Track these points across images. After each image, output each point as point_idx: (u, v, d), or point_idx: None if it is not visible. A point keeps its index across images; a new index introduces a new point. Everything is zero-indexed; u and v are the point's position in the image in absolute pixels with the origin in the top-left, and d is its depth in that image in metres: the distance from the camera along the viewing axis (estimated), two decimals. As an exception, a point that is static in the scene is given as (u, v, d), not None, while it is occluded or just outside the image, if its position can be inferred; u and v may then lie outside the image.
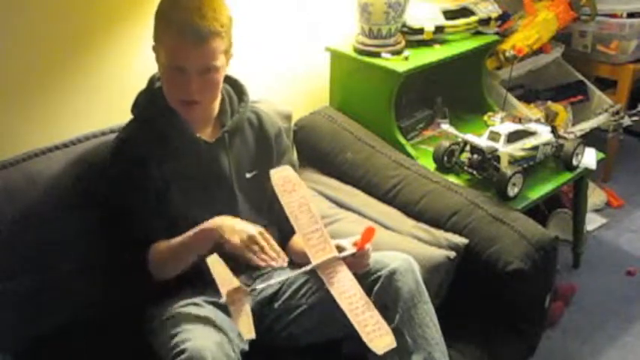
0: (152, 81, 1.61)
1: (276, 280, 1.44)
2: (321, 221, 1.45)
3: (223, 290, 1.29)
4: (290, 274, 1.44)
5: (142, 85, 1.62)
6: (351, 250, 1.45)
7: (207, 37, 1.45)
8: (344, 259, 1.43)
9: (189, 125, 1.56)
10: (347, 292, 1.37)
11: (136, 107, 1.60)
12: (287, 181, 1.48)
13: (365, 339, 1.30)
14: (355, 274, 1.50)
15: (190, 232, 1.44)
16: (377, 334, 1.32)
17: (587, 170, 2.22)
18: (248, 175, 1.63)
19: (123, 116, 1.68)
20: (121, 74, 1.87)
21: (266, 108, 1.76)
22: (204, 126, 1.60)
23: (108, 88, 1.87)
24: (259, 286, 1.35)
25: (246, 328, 1.29)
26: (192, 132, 1.56)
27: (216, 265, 1.31)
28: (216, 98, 1.58)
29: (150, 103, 1.57)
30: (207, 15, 1.45)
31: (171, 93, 1.53)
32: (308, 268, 1.40)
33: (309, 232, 1.42)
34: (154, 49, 1.55)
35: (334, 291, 1.36)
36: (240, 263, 1.57)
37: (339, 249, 1.45)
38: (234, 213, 1.58)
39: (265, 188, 1.58)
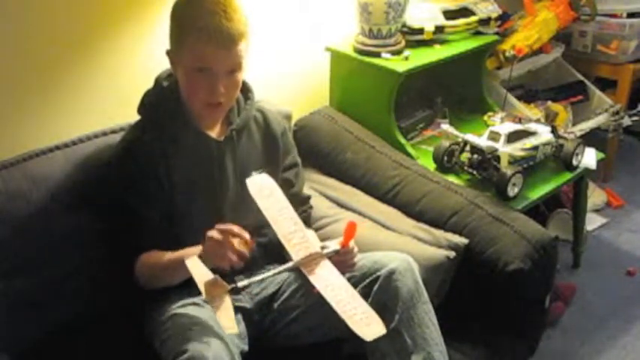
0: (159, 81, 1.59)
1: (259, 277, 1.42)
2: (302, 223, 1.43)
3: (202, 288, 1.29)
4: (280, 272, 1.43)
5: (143, 85, 1.61)
6: (334, 246, 1.44)
7: (237, 40, 1.45)
8: (329, 258, 1.41)
9: (199, 124, 1.56)
10: (332, 285, 1.35)
11: (144, 107, 1.59)
12: (264, 188, 1.47)
13: (353, 327, 1.29)
14: (353, 277, 1.51)
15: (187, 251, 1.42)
16: (365, 322, 1.31)
17: (587, 170, 2.22)
18: (254, 173, 1.63)
19: (123, 116, 1.68)
20: (121, 74, 1.87)
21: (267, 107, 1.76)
22: (213, 125, 1.60)
23: (108, 88, 1.87)
24: (240, 283, 1.34)
25: (228, 322, 1.28)
26: (202, 131, 1.56)
27: (195, 266, 1.31)
28: (235, 99, 1.58)
29: (158, 103, 1.56)
30: (234, 17, 1.45)
31: (195, 96, 1.51)
32: (290, 264, 1.39)
33: (290, 233, 1.40)
34: (170, 53, 1.53)
35: (318, 285, 1.35)
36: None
37: (324, 249, 1.44)
38: (238, 212, 1.58)
39: None
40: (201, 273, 1.30)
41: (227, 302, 1.29)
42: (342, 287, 1.36)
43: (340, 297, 1.33)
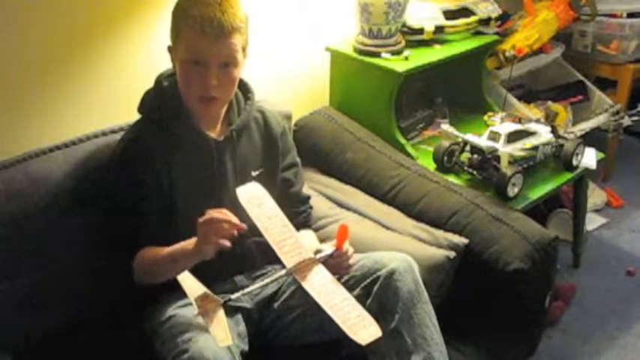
0: (159, 80, 1.60)
1: (251, 288, 1.42)
2: (294, 230, 1.44)
3: (194, 303, 1.29)
4: (272, 281, 1.44)
5: (144, 84, 1.62)
6: (328, 250, 1.44)
7: (229, 32, 1.46)
8: (324, 262, 1.42)
9: (199, 124, 1.56)
10: (325, 291, 1.36)
11: (144, 107, 1.59)
12: (254, 197, 1.47)
13: (348, 332, 1.29)
14: (354, 277, 1.51)
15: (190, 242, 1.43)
16: (360, 326, 1.31)
17: (587, 170, 2.22)
18: (254, 173, 1.63)
19: (123, 116, 1.68)
20: (122, 74, 1.87)
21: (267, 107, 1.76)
22: (213, 125, 1.60)
23: (109, 88, 1.87)
24: (233, 296, 1.35)
25: (221, 335, 1.28)
26: (202, 130, 1.56)
27: (186, 280, 1.32)
28: (231, 96, 1.59)
29: (159, 103, 1.57)
30: (228, 10, 1.46)
31: (189, 90, 1.52)
32: (283, 272, 1.40)
33: (282, 240, 1.41)
34: (170, 49, 1.54)
35: (311, 290, 1.35)
36: (235, 264, 1.58)
37: (318, 253, 1.44)
38: (237, 211, 1.58)
39: (270, 187, 1.58)
40: (193, 287, 1.31)
41: (220, 315, 1.30)
42: (336, 292, 1.36)
43: (334, 302, 1.34)
